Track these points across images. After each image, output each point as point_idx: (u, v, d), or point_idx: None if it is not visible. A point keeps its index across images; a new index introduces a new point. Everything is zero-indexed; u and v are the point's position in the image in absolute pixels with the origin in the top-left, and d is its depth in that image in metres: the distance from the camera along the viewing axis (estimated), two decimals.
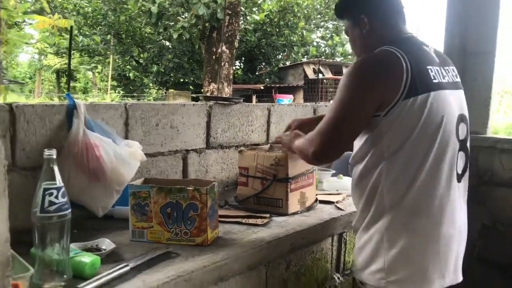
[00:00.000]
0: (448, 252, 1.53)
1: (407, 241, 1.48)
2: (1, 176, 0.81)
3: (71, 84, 28.64)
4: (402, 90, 1.42)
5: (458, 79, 1.65)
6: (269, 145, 2.27)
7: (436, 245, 1.50)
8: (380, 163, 1.50)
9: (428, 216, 1.49)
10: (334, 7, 1.78)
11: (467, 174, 1.64)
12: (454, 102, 1.56)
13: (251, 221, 1.76)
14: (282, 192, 1.89)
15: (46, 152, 1.12)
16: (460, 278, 1.59)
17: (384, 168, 1.49)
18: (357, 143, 1.58)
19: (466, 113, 1.64)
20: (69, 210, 1.13)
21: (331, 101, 1.54)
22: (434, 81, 1.49)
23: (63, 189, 1.12)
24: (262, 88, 16.84)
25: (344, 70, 1.54)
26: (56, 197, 1.10)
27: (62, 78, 29.55)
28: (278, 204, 1.90)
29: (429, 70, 1.50)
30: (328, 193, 2.26)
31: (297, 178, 1.93)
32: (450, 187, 1.53)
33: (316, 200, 2.08)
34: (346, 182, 2.39)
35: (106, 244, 1.40)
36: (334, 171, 2.48)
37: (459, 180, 1.58)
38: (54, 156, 1.12)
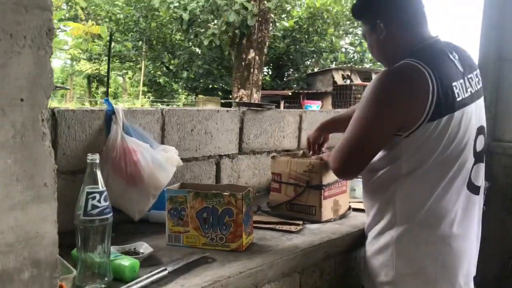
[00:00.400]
0: (458, 266, 1.50)
1: (417, 255, 1.47)
2: (51, 180, 0.84)
3: (101, 89, 29.24)
4: (427, 113, 1.38)
5: (480, 85, 1.58)
6: (301, 151, 2.27)
7: (446, 258, 1.48)
8: (396, 180, 1.49)
9: (440, 230, 1.47)
10: (351, 10, 1.72)
11: (483, 184, 1.61)
12: (474, 116, 1.51)
13: (284, 227, 1.76)
14: (316, 199, 1.88)
15: (90, 156, 1.15)
16: None
17: (399, 185, 1.48)
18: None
19: (484, 123, 1.60)
20: (111, 214, 1.16)
21: (354, 115, 1.50)
22: (458, 99, 1.43)
23: (105, 193, 1.15)
24: (290, 94, 16.84)
25: (369, 83, 1.51)
26: (99, 201, 1.13)
27: (93, 83, 30.19)
28: (311, 212, 1.89)
29: (454, 87, 1.44)
30: (361, 200, 2.23)
31: (330, 186, 1.92)
32: (465, 201, 1.50)
33: (350, 208, 2.07)
34: None
35: (144, 247, 1.43)
36: None
37: (477, 193, 1.56)
38: (98, 161, 1.15)
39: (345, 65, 17.44)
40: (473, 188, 1.53)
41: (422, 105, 1.38)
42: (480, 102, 1.57)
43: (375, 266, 1.55)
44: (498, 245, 1.68)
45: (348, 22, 19.18)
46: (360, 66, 19.00)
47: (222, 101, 14.11)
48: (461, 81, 1.47)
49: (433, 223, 1.46)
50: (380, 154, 1.52)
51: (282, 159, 2.00)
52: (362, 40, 19.61)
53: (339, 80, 17.30)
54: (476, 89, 1.55)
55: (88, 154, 1.15)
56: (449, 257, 1.48)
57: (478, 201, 1.57)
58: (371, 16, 1.58)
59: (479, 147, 1.54)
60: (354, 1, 1.68)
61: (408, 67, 1.42)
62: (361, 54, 19.94)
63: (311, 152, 2.11)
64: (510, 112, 2.95)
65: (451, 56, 1.50)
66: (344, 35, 20.26)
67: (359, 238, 1.81)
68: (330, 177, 1.91)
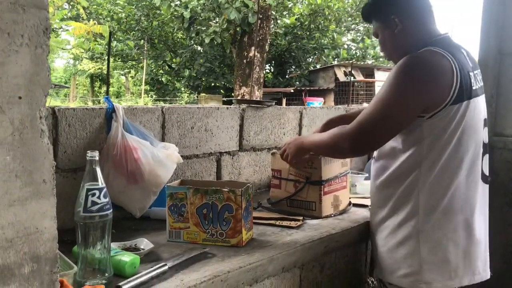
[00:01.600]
0: (478, 250, 1.57)
1: (441, 242, 1.51)
2: (50, 176, 0.85)
3: (104, 89, 29.29)
4: (452, 95, 1.45)
5: (482, 83, 1.65)
6: None
7: (468, 244, 1.54)
8: (418, 165, 1.52)
9: (462, 217, 1.53)
10: (361, 11, 1.77)
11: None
12: (483, 107, 1.61)
13: (284, 223, 1.78)
14: (315, 195, 1.89)
15: (89, 153, 1.16)
16: (489, 275, 1.62)
17: (423, 171, 1.51)
18: (392, 142, 1.58)
19: (486, 116, 1.67)
20: (111, 210, 1.17)
21: (377, 94, 1.53)
22: (473, 87, 1.52)
23: (105, 189, 1.16)
24: (292, 91, 16.83)
25: (391, 70, 1.54)
26: (99, 197, 1.14)
27: (96, 83, 30.25)
28: (312, 207, 1.90)
29: (470, 76, 1.51)
30: (361, 196, 2.24)
31: (330, 181, 1.93)
32: (481, 189, 1.58)
33: (350, 203, 2.08)
34: None
35: (145, 244, 1.44)
36: (367, 174, 2.47)
37: (486, 182, 1.63)
38: (97, 158, 1.16)
39: (347, 62, 17.39)
40: (484, 178, 1.60)
41: (448, 87, 1.44)
42: (484, 98, 1.64)
43: (397, 259, 1.57)
44: (500, 239, 1.69)
45: (349, 19, 19.13)
46: (362, 63, 18.96)
47: (224, 99, 14.13)
48: (472, 73, 1.55)
49: (457, 210, 1.52)
50: (400, 138, 1.55)
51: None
52: (364, 36, 19.63)
53: (341, 77, 17.27)
54: (481, 85, 1.62)
55: (88, 151, 1.16)
56: (470, 243, 1.54)
57: (487, 190, 1.64)
58: (385, 12, 1.63)
59: (486, 139, 1.62)
60: (364, 3, 1.74)
61: (431, 52, 1.48)
62: (363, 50, 19.90)
63: None
64: (510, 107, 2.95)
65: (462, 50, 1.58)
66: (346, 31, 20.22)
67: (359, 233, 1.82)
68: (330, 172, 1.92)
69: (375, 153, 1.76)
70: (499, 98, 2.99)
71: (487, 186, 1.63)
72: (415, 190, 1.53)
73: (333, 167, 1.93)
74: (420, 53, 1.50)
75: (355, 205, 2.09)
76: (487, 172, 1.63)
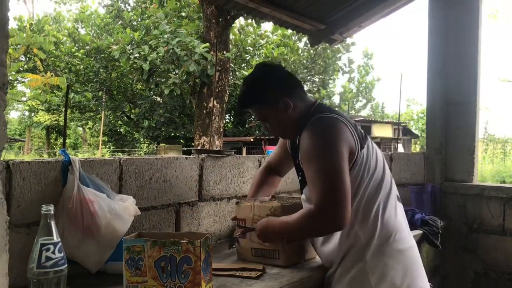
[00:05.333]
0: (419, 262, 1.76)
1: (387, 266, 1.66)
2: (2, 232, 0.84)
3: (60, 141, 28.69)
4: (356, 143, 1.67)
5: None
6: (270, 196, 2.30)
7: (409, 260, 1.72)
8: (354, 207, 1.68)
9: (394, 237, 1.70)
10: (239, 100, 1.87)
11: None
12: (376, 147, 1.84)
13: (244, 274, 1.76)
14: (277, 244, 1.89)
15: (44, 207, 1.14)
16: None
17: (353, 213, 1.65)
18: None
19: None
20: (65, 265, 1.15)
21: (311, 170, 1.64)
22: (362, 133, 1.76)
23: (60, 244, 1.14)
24: (251, 140, 17.00)
25: (302, 143, 1.70)
26: (53, 252, 1.12)
27: (52, 134, 29.64)
28: (275, 255, 1.90)
29: (356, 126, 1.75)
30: None
31: None
32: (398, 208, 1.80)
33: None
34: None
35: None
36: None
37: (400, 201, 1.84)
38: (52, 212, 1.15)
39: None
40: (398, 197, 1.83)
41: (352, 138, 1.66)
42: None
43: None
44: (456, 282, 1.75)
45: (305, 71, 19.79)
46: None
47: (184, 148, 14.09)
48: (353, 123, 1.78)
49: (389, 234, 1.70)
50: None
51: (245, 204, 2.01)
52: (320, 88, 20.26)
53: None
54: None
55: (43, 205, 1.15)
56: (412, 257, 1.74)
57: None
58: (274, 97, 1.78)
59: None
60: (241, 95, 1.86)
61: (326, 117, 1.71)
62: (319, 100, 20.52)
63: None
64: (458, 153, 3.10)
65: (337, 110, 1.86)
66: (302, 82, 20.85)
67: (318, 280, 1.83)
68: None
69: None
70: (447, 145, 3.15)
71: (400, 203, 1.84)
72: (351, 233, 1.69)
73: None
74: (317, 120, 1.70)
75: None
76: (397, 193, 1.83)
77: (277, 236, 1.83)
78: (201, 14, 12.48)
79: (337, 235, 1.73)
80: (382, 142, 21.35)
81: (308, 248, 2.02)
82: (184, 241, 1.48)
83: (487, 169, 13.02)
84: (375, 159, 1.76)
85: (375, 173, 1.72)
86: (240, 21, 16.37)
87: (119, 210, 1.72)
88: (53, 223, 1.15)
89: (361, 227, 1.68)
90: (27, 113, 30.74)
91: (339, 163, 1.58)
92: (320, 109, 1.78)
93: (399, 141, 18.50)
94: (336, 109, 1.88)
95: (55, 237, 1.14)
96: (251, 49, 18.57)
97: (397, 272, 1.66)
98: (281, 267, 1.87)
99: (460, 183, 3.06)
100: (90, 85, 18.87)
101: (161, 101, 17.63)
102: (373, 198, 1.70)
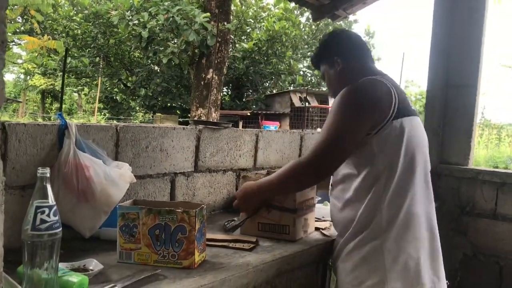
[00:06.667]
0: (436, 258, 1.73)
1: (403, 251, 1.63)
2: None
3: (55, 105, 28.50)
4: (392, 111, 1.63)
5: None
6: (266, 171, 2.30)
7: (426, 252, 1.69)
8: (374, 183, 1.66)
9: (419, 228, 1.67)
10: (310, 60, 2.03)
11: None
12: (423, 128, 1.82)
13: (238, 245, 1.78)
14: (290, 219, 1.89)
15: (40, 170, 1.13)
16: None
17: (379, 188, 1.65)
18: (344, 165, 1.72)
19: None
20: (60, 229, 1.14)
21: (325, 123, 1.69)
22: (412, 107, 1.75)
23: (55, 207, 1.13)
24: (249, 114, 16.96)
25: (334, 101, 1.74)
26: (48, 215, 1.11)
27: (47, 99, 29.42)
28: (285, 231, 1.91)
29: (406, 97, 1.74)
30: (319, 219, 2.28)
31: (302, 204, 1.95)
32: (432, 202, 1.78)
33: (314, 228, 2.10)
34: None
35: (94, 264, 1.40)
36: (320, 198, 2.51)
37: (430, 187, 1.80)
38: (48, 175, 1.13)
39: (302, 88, 17.75)
40: (431, 193, 1.79)
41: (387, 104, 1.63)
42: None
43: (363, 273, 1.67)
44: (444, 263, 1.78)
45: (306, 46, 19.61)
46: (317, 89, 19.39)
47: (180, 119, 14.04)
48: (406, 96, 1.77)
49: (415, 221, 1.67)
50: (354, 161, 1.70)
51: (253, 178, 2.01)
52: None
53: (297, 102, 17.59)
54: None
55: (39, 167, 1.13)
56: (431, 252, 1.71)
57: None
58: (329, 55, 1.89)
59: (428, 157, 1.81)
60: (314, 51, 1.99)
61: (368, 79, 1.71)
62: (318, 77, 20.37)
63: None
64: (455, 136, 3.09)
65: (395, 83, 1.78)
66: (302, 58, 20.68)
67: (310, 255, 1.85)
68: (303, 194, 1.95)
69: (331, 179, 1.86)
70: (445, 127, 3.14)
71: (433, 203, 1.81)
72: (374, 207, 1.66)
73: (305, 192, 1.97)
74: (358, 82, 1.70)
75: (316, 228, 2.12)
76: (432, 189, 1.81)
77: (257, 196, 1.85)
78: None
79: (360, 205, 1.69)
80: None
81: (311, 222, 2.04)
82: (180, 210, 1.49)
83: (481, 154, 13.11)
84: (417, 135, 1.72)
85: (410, 152, 1.68)
86: None
87: (114, 176, 1.72)
88: (48, 186, 1.14)
89: (388, 205, 1.65)
90: (22, 76, 30.41)
91: (349, 126, 1.63)
92: (375, 75, 1.76)
93: None
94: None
95: (50, 200, 1.13)
96: (252, 21, 18.36)
97: (411, 258, 1.64)
98: (291, 241, 1.88)
99: (455, 166, 3.06)
100: (87, 50, 18.65)
101: (158, 70, 17.47)
102: (404, 176, 1.66)
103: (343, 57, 1.85)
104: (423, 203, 1.71)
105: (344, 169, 1.75)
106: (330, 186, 1.90)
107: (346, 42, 1.90)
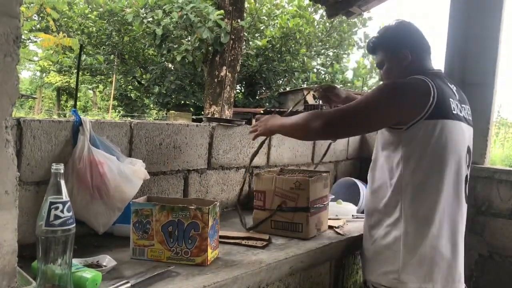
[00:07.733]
0: (453, 260, 1.72)
1: (420, 246, 1.67)
2: (13, 187, 0.83)
3: (70, 103, 28.76)
4: (427, 111, 1.63)
5: (471, 118, 1.87)
6: (279, 168, 2.29)
7: (443, 251, 1.69)
8: (402, 176, 1.69)
9: (441, 227, 1.69)
10: (367, 44, 1.98)
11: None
12: (467, 134, 1.80)
13: (250, 243, 1.77)
14: (303, 217, 1.89)
15: (54, 166, 1.13)
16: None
17: (406, 181, 1.68)
18: (381, 154, 1.79)
19: (471, 147, 1.85)
20: (74, 225, 1.14)
21: (363, 95, 1.76)
22: (453, 112, 1.72)
23: (68, 203, 1.14)
24: (262, 112, 16.90)
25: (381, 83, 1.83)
26: (62, 211, 1.11)
27: (63, 96, 29.67)
28: (298, 229, 1.90)
29: (451, 102, 1.71)
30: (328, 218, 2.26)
31: (316, 203, 1.95)
32: (461, 205, 1.77)
33: (328, 227, 2.09)
34: (345, 207, 2.40)
35: (107, 260, 1.41)
36: (333, 196, 2.50)
37: (467, 202, 1.82)
38: (62, 171, 1.14)
39: (316, 85, 17.68)
40: (466, 198, 1.80)
41: (423, 104, 1.64)
42: (471, 130, 1.86)
43: (383, 260, 1.73)
44: None
45: (320, 44, 19.50)
46: None
47: (194, 117, 14.06)
48: (456, 102, 1.76)
49: (438, 220, 1.68)
50: (387, 150, 1.75)
51: (267, 176, 2.00)
52: (334, 62, 20.00)
53: (310, 100, 17.51)
54: (468, 118, 1.83)
55: (53, 163, 1.14)
56: (447, 251, 1.71)
57: (465, 210, 1.83)
58: (396, 45, 1.85)
59: (468, 164, 1.83)
60: (372, 37, 1.97)
61: (414, 78, 1.72)
62: (331, 75, 20.25)
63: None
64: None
65: (449, 85, 1.80)
66: (316, 56, 20.56)
67: (323, 253, 1.84)
68: (315, 193, 1.94)
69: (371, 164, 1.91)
70: None
71: (466, 206, 1.81)
72: (400, 198, 1.70)
73: (317, 189, 1.97)
74: (405, 79, 1.72)
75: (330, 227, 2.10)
76: (467, 193, 1.82)
77: (273, 126, 1.88)
78: None
79: (384, 195, 1.75)
80: None
81: (324, 221, 2.03)
82: (193, 207, 1.49)
83: (497, 153, 12.92)
84: (454, 139, 1.70)
85: (440, 153, 1.68)
86: None
87: (128, 173, 1.72)
88: (62, 182, 1.14)
89: (411, 200, 1.68)
90: (38, 73, 30.72)
91: (373, 113, 1.67)
92: (428, 74, 1.75)
93: None
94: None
95: (64, 196, 1.13)
96: (266, 18, 18.28)
97: (425, 255, 1.67)
98: (304, 239, 1.88)
99: (472, 165, 3.02)
100: (102, 48, 18.75)
101: (172, 68, 17.51)
102: (431, 177, 1.68)
103: (411, 52, 1.83)
104: (449, 206, 1.71)
105: (379, 155, 1.80)
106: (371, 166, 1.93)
107: (416, 37, 1.88)
